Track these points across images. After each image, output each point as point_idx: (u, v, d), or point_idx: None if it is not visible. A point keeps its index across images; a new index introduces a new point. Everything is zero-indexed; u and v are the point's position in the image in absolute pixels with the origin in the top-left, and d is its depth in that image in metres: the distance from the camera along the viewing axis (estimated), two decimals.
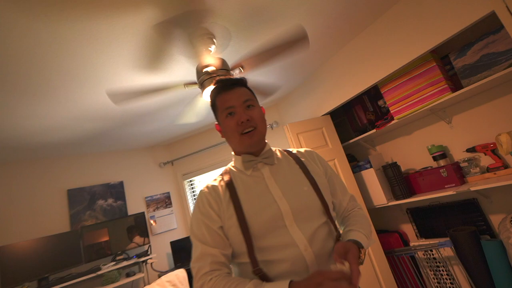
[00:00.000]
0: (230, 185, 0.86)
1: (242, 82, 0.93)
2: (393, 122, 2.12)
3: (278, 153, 0.97)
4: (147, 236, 2.84)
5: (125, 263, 2.45)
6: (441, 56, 1.93)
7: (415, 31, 1.75)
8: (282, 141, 2.97)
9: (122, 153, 3.20)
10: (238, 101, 0.87)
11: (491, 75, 1.59)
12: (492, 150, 1.80)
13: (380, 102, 2.33)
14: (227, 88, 0.90)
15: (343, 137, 2.57)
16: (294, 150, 1.00)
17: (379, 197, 2.27)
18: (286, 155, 0.96)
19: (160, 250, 3.00)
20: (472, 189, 1.72)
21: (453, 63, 1.81)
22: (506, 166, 1.75)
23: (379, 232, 2.54)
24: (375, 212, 2.62)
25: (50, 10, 1.14)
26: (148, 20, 1.34)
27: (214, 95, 0.92)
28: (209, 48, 1.54)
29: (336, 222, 0.90)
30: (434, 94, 1.85)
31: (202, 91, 1.52)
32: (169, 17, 1.33)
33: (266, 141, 0.95)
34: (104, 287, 2.26)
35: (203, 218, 0.82)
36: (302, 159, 0.94)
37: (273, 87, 2.00)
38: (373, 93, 2.38)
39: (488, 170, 1.82)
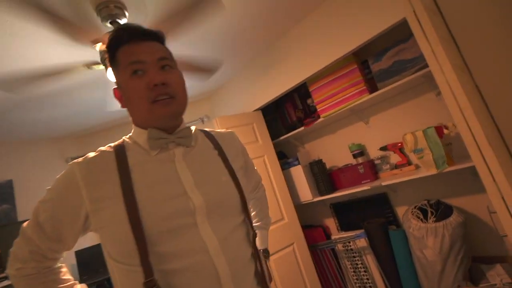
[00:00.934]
0: (120, 161, 0.63)
1: (158, 36, 0.69)
2: (319, 120, 2.18)
3: (196, 133, 0.76)
4: None
5: (7, 282, 1.95)
6: (362, 59, 2.06)
7: (339, 33, 1.82)
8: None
9: (11, 145, 2.56)
10: (152, 57, 0.64)
11: (401, 79, 1.75)
12: (400, 148, 1.99)
13: (309, 101, 2.39)
14: (136, 37, 0.65)
15: (275, 133, 2.57)
16: (213, 131, 0.81)
17: (306, 193, 2.32)
18: (204, 137, 0.77)
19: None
20: (383, 184, 1.88)
21: (371, 67, 1.95)
22: (409, 163, 1.96)
23: (305, 227, 2.62)
24: (301, 208, 2.69)
25: None
26: None
27: (115, 44, 0.66)
28: (117, 20, 1.30)
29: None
30: (354, 95, 1.96)
31: (106, 70, 1.26)
32: None
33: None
34: None
35: (57, 196, 0.63)
36: (222, 144, 0.77)
37: (214, 61, 1.71)
38: (303, 91, 2.43)
39: (396, 167, 2.02)
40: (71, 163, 0.65)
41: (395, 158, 2.08)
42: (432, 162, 1.64)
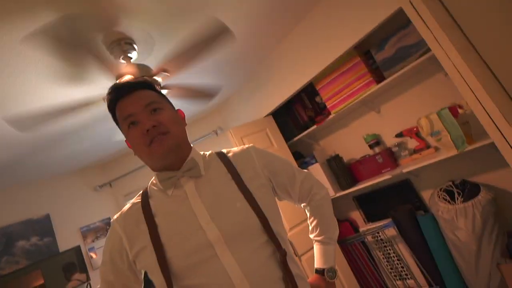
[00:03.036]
0: (146, 210, 0.72)
1: (143, 85, 0.76)
2: (330, 116, 2.20)
3: (209, 159, 0.80)
4: (87, 271, 2.47)
5: None
6: (364, 51, 2.07)
7: (338, 30, 1.84)
8: (228, 147, 2.89)
9: (45, 182, 2.74)
10: (139, 106, 0.71)
11: (406, 66, 1.75)
12: (416, 133, 1.98)
13: (317, 99, 2.41)
14: (123, 93, 0.73)
15: (288, 136, 2.60)
16: (230, 152, 0.83)
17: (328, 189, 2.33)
18: (218, 162, 0.79)
19: None
20: (404, 171, 1.87)
21: (374, 57, 1.96)
22: (428, 147, 1.94)
23: None
24: None
25: None
26: (46, 26, 1.12)
27: (112, 106, 0.75)
28: (129, 55, 1.38)
29: (278, 237, 0.71)
30: (362, 87, 1.97)
31: None
32: (71, 20, 1.14)
33: (191, 145, 0.80)
34: None
35: (109, 254, 0.74)
36: (236, 165, 0.77)
37: (214, 86, 1.87)
38: (310, 90, 2.46)
39: (414, 151, 2.01)
40: (112, 220, 0.77)
41: (412, 143, 2.06)
42: (451, 143, 1.63)
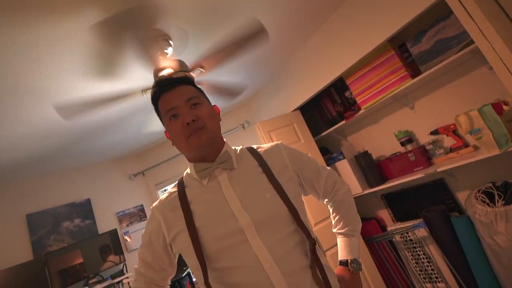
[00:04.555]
0: (182, 198, 0.78)
1: (185, 80, 0.82)
2: (360, 112, 2.15)
3: (241, 153, 0.85)
4: (122, 253, 2.67)
5: (98, 287, 2.27)
6: (399, 44, 1.99)
7: (372, 23, 1.78)
8: (255, 141, 2.93)
9: (87, 169, 2.98)
10: (181, 100, 0.76)
11: (445, 59, 1.65)
12: (453, 131, 1.88)
13: (347, 94, 2.36)
14: (167, 87, 0.79)
15: (315, 130, 2.58)
16: (260, 148, 0.88)
17: (355, 186, 2.30)
18: (249, 156, 0.84)
19: None
20: (439, 170, 1.79)
21: (410, 50, 1.87)
22: (466, 145, 1.83)
23: None
24: None
25: None
26: (91, 24, 1.22)
27: (155, 99, 0.81)
28: (165, 51, 1.45)
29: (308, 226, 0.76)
30: (395, 82, 1.90)
31: None
32: (114, 18, 1.23)
33: (224, 140, 0.84)
34: None
35: (148, 237, 0.81)
36: (266, 159, 0.82)
37: (239, 86, 1.94)
38: (340, 85, 2.41)
39: (451, 150, 1.90)
40: (152, 207, 0.84)
41: (448, 141, 1.96)
42: (493, 142, 1.52)
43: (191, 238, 0.71)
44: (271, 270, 0.66)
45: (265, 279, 0.65)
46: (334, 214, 0.93)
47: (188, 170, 0.85)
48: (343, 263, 0.86)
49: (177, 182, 0.85)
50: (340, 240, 0.90)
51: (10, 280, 2.15)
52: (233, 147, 0.87)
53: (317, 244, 0.74)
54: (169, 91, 0.78)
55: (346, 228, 0.89)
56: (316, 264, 0.71)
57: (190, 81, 0.83)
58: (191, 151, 0.77)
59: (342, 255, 0.87)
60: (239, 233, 0.69)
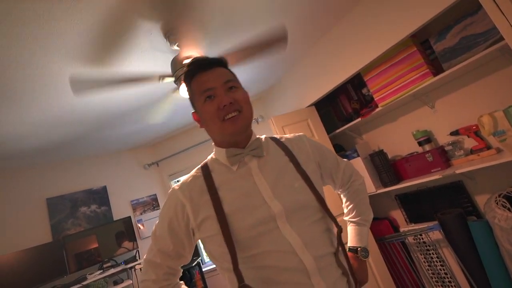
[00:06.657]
0: (209, 183, 0.75)
1: (222, 62, 0.80)
2: (377, 109, 2.11)
3: (266, 142, 0.84)
4: (135, 240, 2.75)
5: (112, 271, 2.36)
6: (422, 40, 1.92)
7: (394, 17, 1.72)
8: (269, 135, 2.93)
9: (104, 157, 3.08)
10: (219, 82, 0.74)
11: (471, 57, 1.59)
12: (475, 132, 1.81)
13: (364, 90, 2.31)
14: (204, 67, 0.77)
15: (329, 127, 2.55)
16: (283, 138, 0.87)
17: (368, 185, 2.26)
18: (274, 145, 0.83)
19: None
20: (457, 172, 1.73)
21: (433, 47, 1.80)
22: (489, 147, 1.76)
23: None
24: None
25: None
26: (110, 7, 1.24)
27: (189, 77, 0.79)
28: (183, 44, 1.47)
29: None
30: (416, 79, 1.84)
31: (179, 86, 1.44)
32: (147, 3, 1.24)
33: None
34: None
35: (168, 221, 0.75)
36: (292, 150, 0.82)
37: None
38: (357, 82, 2.36)
39: (471, 152, 1.84)
40: (172, 189, 0.78)
41: (469, 142, 1.89)
42: None
43: (220, 225, 0.68)
44: (304, 255, 0.67)
45: (298, 262, 0.67)
46: (347, 203, 0.96)
47: (212, 155, 0.83)
48: (353, 250, 0.90)
49: (199, 166, 0.82)
50: (351, 228, 0.94)
51: (31, 259, 2.26)
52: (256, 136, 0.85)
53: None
54: (206, 72, 0.76)
55: (359, 218, 0.93)
56: (341, 249, 0.74)
57: (226, 65, 0.82)
58: (225, 135, 0.75)
59: (352, 242, 0.92)
60: (271, 221, 0.69)
